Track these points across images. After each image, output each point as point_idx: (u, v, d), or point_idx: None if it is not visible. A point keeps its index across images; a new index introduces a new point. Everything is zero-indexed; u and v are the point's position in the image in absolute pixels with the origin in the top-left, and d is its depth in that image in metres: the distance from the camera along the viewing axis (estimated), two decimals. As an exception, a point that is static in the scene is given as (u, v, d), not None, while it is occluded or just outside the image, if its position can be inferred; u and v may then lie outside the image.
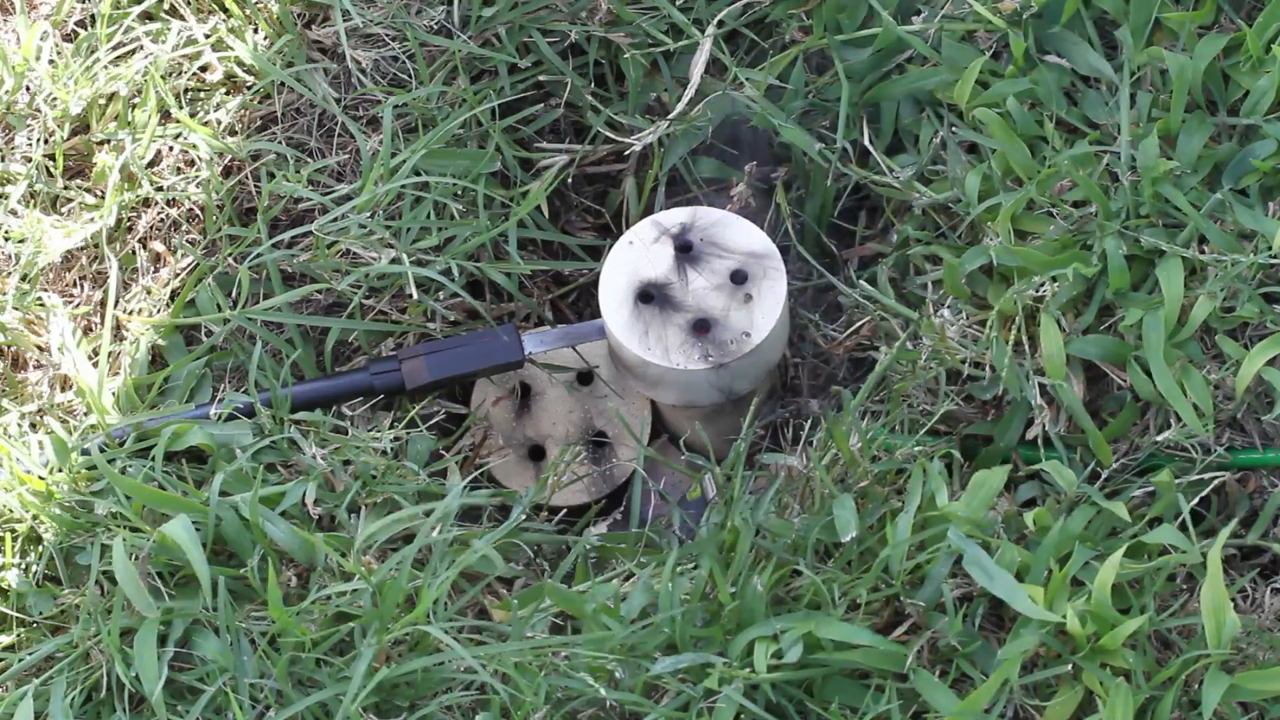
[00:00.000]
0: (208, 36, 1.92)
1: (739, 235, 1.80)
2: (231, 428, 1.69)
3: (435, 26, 1.93)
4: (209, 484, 1.62)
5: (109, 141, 1.89)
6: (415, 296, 1.80)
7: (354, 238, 1.81)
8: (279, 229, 1.85)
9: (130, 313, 1.83)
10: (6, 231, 1.84)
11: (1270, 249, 1.64)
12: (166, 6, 1.95)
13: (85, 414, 1.74)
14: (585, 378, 1.88)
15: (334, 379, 1.77)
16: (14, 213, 1.85)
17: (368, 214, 1.81)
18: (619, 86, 1.97)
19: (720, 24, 1.92)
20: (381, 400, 1.78)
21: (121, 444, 1.68)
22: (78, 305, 1.84)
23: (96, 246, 1.86)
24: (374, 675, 1.48)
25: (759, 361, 1.77)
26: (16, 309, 1.81)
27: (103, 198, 1.87)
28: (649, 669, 1.48)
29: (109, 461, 1.65)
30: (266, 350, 1.79)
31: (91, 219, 1.85)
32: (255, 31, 1.94)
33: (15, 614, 1.61)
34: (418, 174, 1.84)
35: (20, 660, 1.58)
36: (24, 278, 1.81)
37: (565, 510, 1.80)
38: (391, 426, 1.74)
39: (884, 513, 1.57)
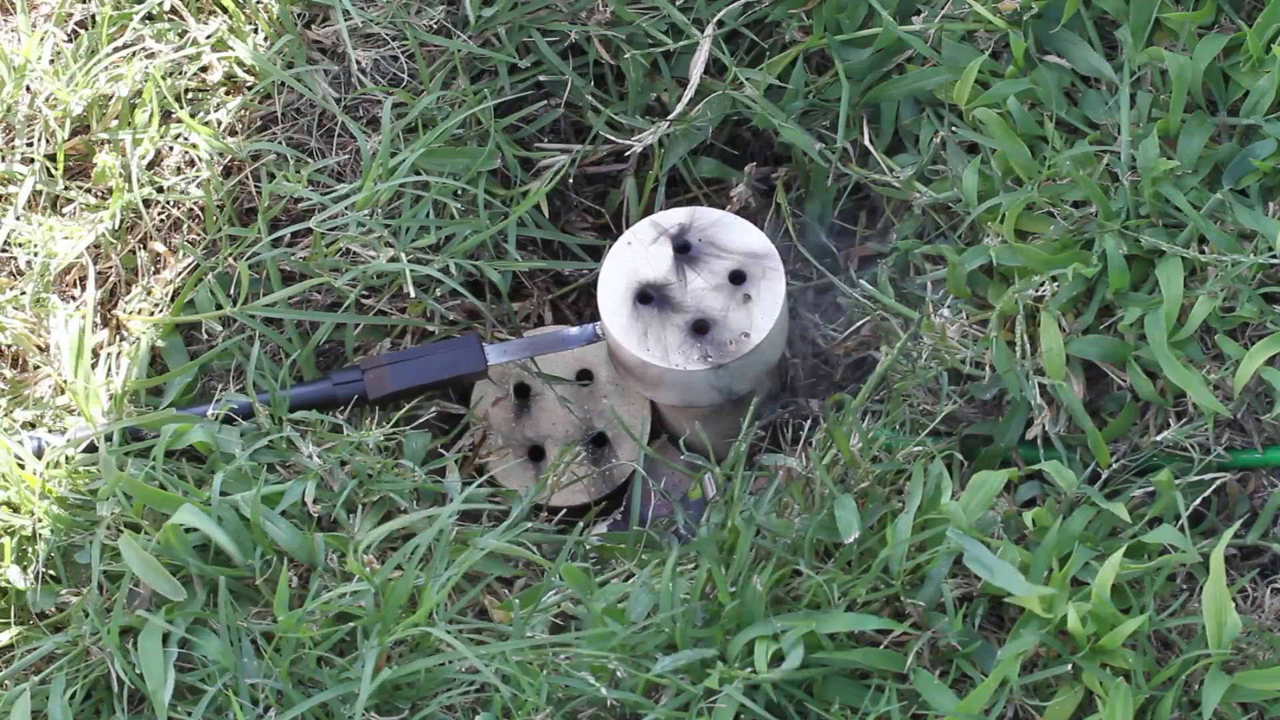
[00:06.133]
0: (208, 38, 1.92)
1: (738, 235, 1.80)
2: (229, 430, 1.69)
3: (435, 26, 1.93)
4: (207, 484, 1.62)
5: (110, 142, 1.88)
6: (413, 295, 1.79)
7: (353, 236, 1.81)
8: (279, 229, 1.85)
9: (130, 313, 1.83)
10: (18, 240, 1.83)
11: (1270, 249, 1.64)
12: (169, 7, 1.95)
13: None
14: (585, 377, 1.88)
15: (297, 388, 1.76)
16: (26, 218, 1.84)
17: (366, 212, 1.81)
18: (619, 86, 1.97)
19: (720, 24, 1.92)
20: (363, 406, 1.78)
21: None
22: (77, 306, 1.84)
23: (98, 247, 1.86)
24: (378, 677, 1.48)
25: (758, 362, 1.77)
26: (17, 309, 1.81)
27: (104, 198, 1.87)
28: (650, 669, 1.48)
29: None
30: (265, 350, 1.79)
31: (98, 219, 1.85)
32: (255, 32, 1.94)
33: (15, 612, 1.62)
34: (417, 173, 1.84)
35: (21, 658, 1.58)
36: (43, 286, 1.81)
37: (565, 510, 1.80)
38: (380, 425, 1.74)
39: (884, 513, 1.57)
